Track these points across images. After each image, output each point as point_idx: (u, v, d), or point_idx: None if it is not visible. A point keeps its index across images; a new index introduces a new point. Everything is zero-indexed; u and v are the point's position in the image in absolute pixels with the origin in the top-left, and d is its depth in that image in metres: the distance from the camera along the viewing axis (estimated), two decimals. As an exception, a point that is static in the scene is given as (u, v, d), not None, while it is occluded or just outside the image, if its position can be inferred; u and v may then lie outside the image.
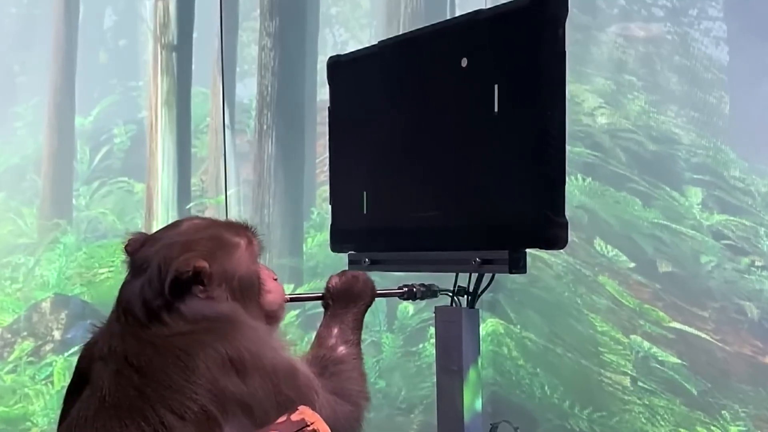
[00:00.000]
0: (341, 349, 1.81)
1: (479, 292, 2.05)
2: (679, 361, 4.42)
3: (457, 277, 2.08)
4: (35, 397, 5.83)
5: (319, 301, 1.93)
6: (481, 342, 2.07)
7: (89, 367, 1.58)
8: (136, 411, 1.47)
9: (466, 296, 2.06)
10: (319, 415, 1.55)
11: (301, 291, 5.04)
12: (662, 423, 4.38)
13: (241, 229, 1.74)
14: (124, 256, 1.69)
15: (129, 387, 1.50)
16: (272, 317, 1.73)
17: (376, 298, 1.94)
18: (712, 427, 4.28)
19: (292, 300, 1.90)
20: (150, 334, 1.56)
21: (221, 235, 1.69)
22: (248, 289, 1.68)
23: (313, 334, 1.89)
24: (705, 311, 4.46)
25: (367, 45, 2.32)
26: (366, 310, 1.90)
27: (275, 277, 1.78)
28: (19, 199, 6.60)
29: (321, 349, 1.82)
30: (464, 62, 1.94)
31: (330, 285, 1.90)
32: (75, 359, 1.67)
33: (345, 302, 1.87)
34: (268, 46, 5.77)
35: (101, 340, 1.60)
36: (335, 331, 1.84)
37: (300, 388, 1.62)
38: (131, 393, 1.49)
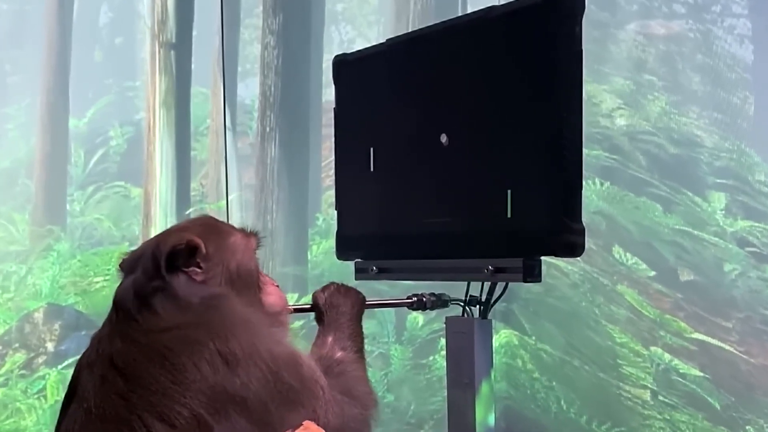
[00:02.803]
0: (340, 354, 1.80)
1: (492, 301, 2.04)
2: (702, 373, 4.44)
3: (468, 286, 2.06)
4: (27, 411, 5.85)
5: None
6: (494, 354, 2.07)
7: (78, 377, 1.56)
8: (123, 422, 1.44)
9: (478, 306, 2.05)
10: (324, 431, 1.51)
11: (305, 301, 4.98)
12: (684, 439, 4.47)
13: (237, 227, 1.75)
14: (118, 274, 1.68)
15: (114, 395, 1.47)
16: (276, 323, 1.69)
17: (385, 309, 1.91)
18: (736, 443, 4.35)
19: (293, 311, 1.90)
20: (138, 328, 1.53)
21: (215, 224, 1.73)
22: (246, 279, 1.67)
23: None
24: (728, 322, 4.49)
25: (374, 43, 2.32)
26: (359, 318, 1.88)
27: (276, 284, 1.76)
28: (10, 204, 6.65)
29: (320, 351, 1.80)
30: (474, 63, 1.94)
31: (316, 300, 1.89)
32: (69, 372, 1.64)
33: (334, 312, 1.86)
34: (271, 45, 5.82)
35: (90, 346, 1.59)
36: (330, 339, 1.81)
37: (303, 379, 1.58)
38: (117, 402, 1.46)
